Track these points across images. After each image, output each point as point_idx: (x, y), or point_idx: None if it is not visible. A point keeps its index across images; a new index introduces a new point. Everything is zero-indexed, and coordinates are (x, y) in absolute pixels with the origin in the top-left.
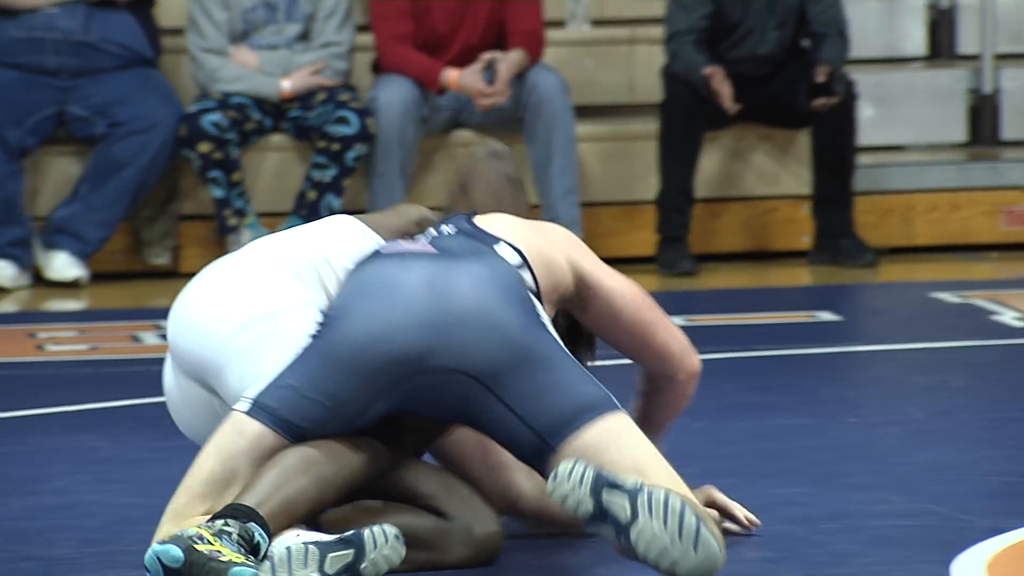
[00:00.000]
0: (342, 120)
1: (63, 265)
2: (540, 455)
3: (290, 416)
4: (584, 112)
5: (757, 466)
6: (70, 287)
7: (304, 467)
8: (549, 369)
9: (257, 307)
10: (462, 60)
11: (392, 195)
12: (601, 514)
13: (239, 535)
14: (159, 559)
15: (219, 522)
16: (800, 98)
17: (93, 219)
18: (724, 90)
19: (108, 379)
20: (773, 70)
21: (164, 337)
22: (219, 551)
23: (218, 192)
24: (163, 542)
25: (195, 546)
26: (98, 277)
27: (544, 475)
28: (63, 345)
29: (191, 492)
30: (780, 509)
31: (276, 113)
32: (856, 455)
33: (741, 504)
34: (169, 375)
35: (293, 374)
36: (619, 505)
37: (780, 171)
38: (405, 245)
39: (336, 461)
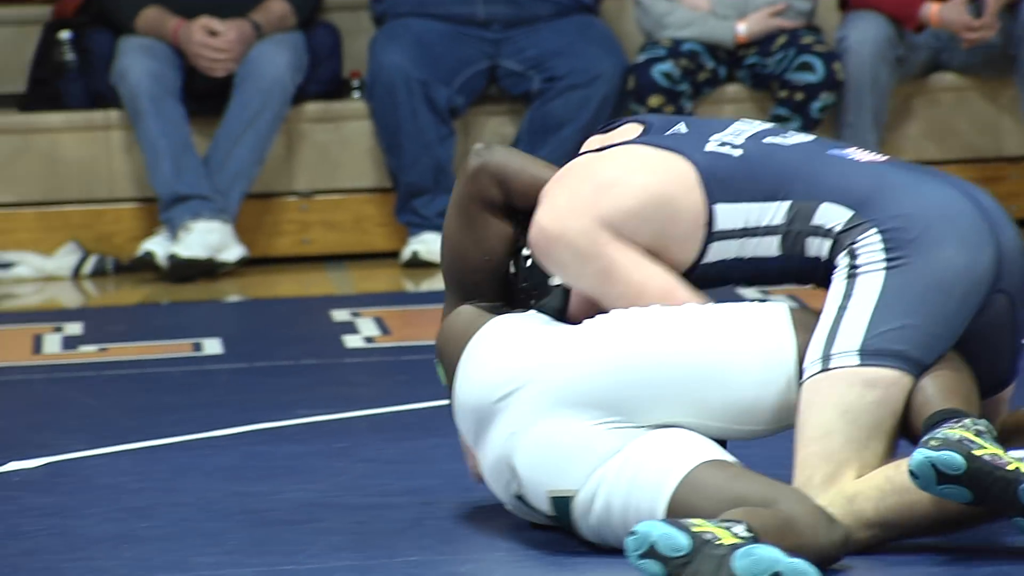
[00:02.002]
0: (805, 66)
1: None
2: (1009, 378)
3: (919, 355)
4: None
5: None
6: None
7: (955, 389)
8: None
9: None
10: None
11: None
12: None
13: (988, 429)
14: (934, 465)
15: (967, 420)
16: None
17: None
18: None
19: None
20: None
21: None
22: (997, 455)
23: None
24: (936, 448)
25: (973, 452)
26: None
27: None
28: None
29: (833, 460)
30: None
31: (731, 60)
32: None
33: None
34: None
35: (904, 313)
36: None
37: None
38: (858, 155)
39: (967, 382)
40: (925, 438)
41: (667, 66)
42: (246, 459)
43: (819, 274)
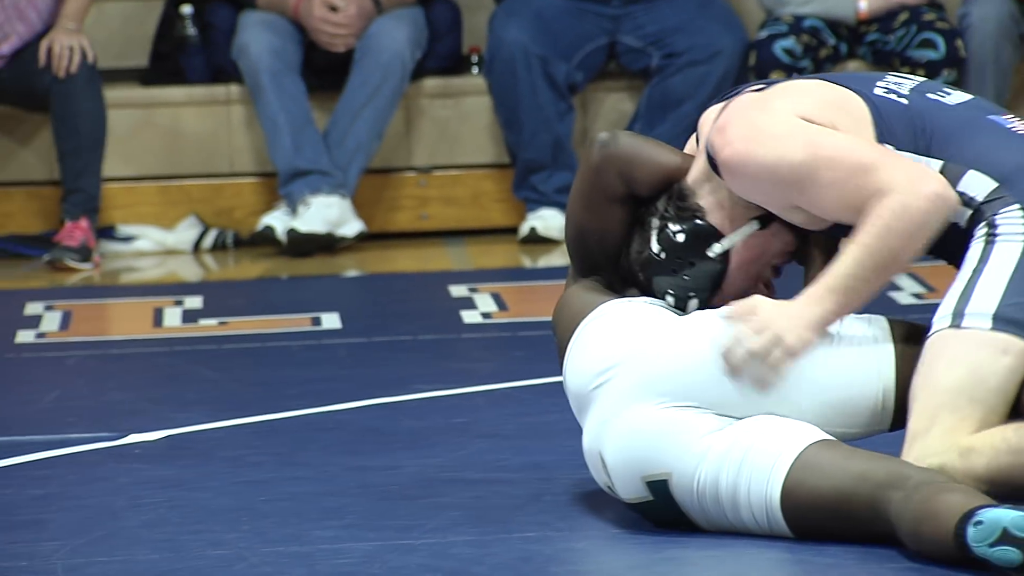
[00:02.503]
0: (927, 43)
1: None
2: None
3: None
4: None
5: None
6: None
7: None
8: None
9: None
10: None
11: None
12: None
13: None
14: None
15: None
16: None
17: None
18: None
19: None
20: None
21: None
22: None
23: None
24: None
25: None
26: None
27: None
28: None
29: (957, 414)
30: None
31: (852, 37)
32: None
33: None
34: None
35: None
36: None
37: None
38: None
39: None
40: None
41: (789, 42)
42: (364, 433)
43: (951, 242)
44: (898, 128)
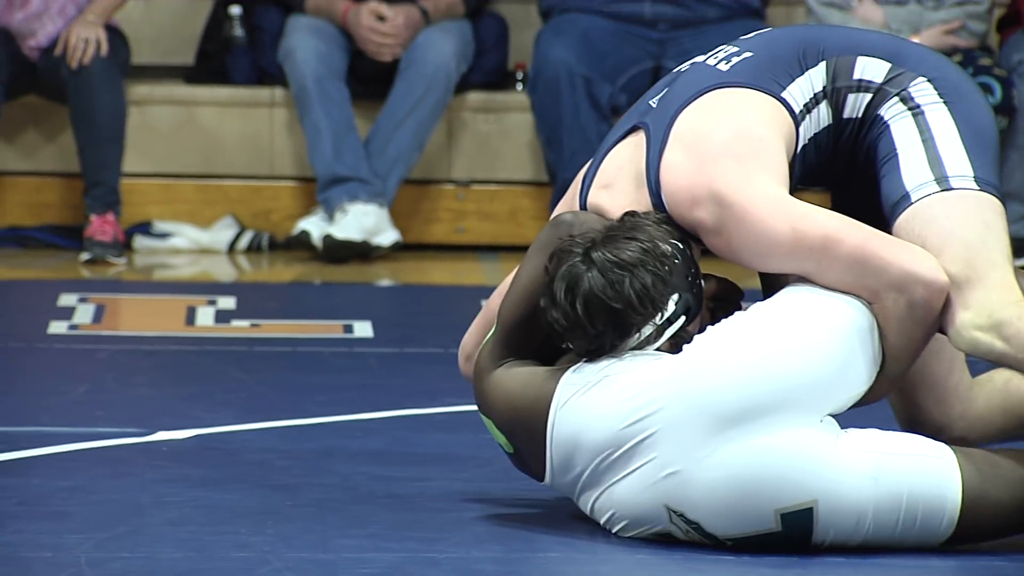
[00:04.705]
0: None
1: None
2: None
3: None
4: None
5: None
6: None
7: None
8: None
9: None
10: None
11: None
12: None
13: None
14: None
15: None
16: None
17: None
18: None
19: None
20: None
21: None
22: None
23: None
24: None
25: None
26: None
27: None
28: None
29: (1003, 267)
30: None
31: None
32: None
33: None
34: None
35: (981, 146)
36: None
37: None
38: None
39: None
40: None
41: None
42: (393, 444)
43: (844, 140)
44: (773, 70)
